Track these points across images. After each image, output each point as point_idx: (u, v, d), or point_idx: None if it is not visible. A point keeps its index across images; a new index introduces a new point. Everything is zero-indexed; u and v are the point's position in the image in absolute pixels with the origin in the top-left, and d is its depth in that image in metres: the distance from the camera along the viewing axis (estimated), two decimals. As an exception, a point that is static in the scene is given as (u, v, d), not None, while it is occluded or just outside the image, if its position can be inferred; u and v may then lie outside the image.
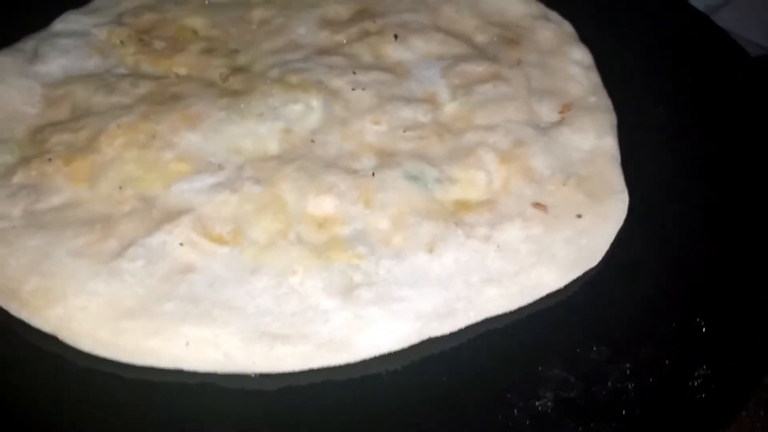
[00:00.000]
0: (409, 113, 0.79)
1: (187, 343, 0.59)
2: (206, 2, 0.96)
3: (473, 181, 0.73)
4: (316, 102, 0.79)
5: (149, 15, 0.93)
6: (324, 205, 0.70)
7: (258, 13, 0.95)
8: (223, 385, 0.58)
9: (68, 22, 0.93)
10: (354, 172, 0.73)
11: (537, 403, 0.56)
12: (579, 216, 0.71)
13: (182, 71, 0.86)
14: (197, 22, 0.93)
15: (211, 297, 0.62)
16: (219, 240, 0.67)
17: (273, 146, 0.76)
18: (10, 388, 0.57)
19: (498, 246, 0.67)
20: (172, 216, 0.68)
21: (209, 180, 0.72)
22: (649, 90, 0.87)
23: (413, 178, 0.72)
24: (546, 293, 0.65)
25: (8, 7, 0.95)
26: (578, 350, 0.60)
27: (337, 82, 0.82)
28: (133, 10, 0.94)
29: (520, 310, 0.64)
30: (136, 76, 0.85)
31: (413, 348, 0.61)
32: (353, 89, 0.81)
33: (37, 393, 0.57)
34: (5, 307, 0.62)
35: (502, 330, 0.63)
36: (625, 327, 0.62)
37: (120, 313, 0.61)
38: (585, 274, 0.67)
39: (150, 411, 0.56)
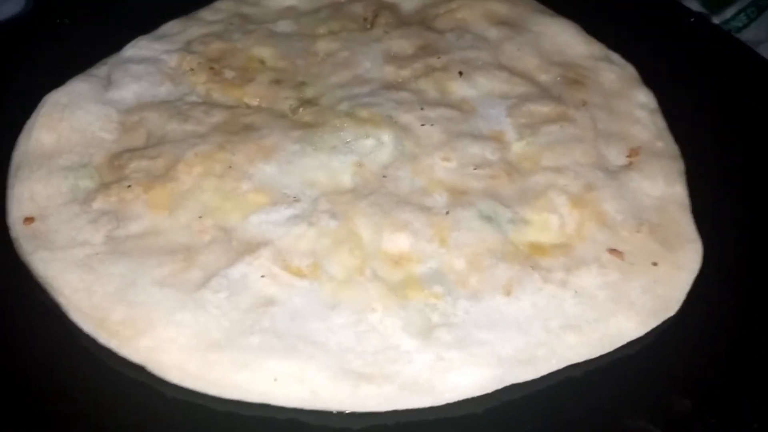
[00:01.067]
0: (477, 150, 0.80)
1: (276, 379, 0.59)
2: (271, 32, 0.97)
3: (546, 224, 0.73)
4: (386, 137, 0.81)
5: (218, 43, 0.95)
6: (399, 242, 0.71)
7: (323, 45, 0.96)
8: (307, 421, 0.58)
9: (139, 47, 0.94)
10: (427, 210, 0.73)
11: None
12: (654, 264, 0.71)
13: (253, 102, 0.88)
14: (264, 52, 0.94)
15: (293, 331, 0.63)
16: (298, 273, 0.68)
17: (346, 180, 0.77)
18: (99, 418, 0.58)
19: (576, 291, 0.67)
20: (251, 248, 0.69)
21: (286, 212, 0.73)
22: (713, 135, 0.87)
23: (487, 219, 0.72)
24: (626, 341, 0.64)
25: (79, 31, 0.96)
26: (662, 402, 0.60)
27: (406, 118, 0.83)
28: (201, 38, 0.96)
29: (600, 358, 0.63)
30: (209, 104, 0.86)
31: (494, 392, 0.60)
32: (422, 125, 0.83)
33: (126, 422, 0.58)
34: (93, 335, 0.63)
35: (580, 378, 0.62)
36: (707, 379, 0.62)
37: (207, 346, 0.61)
38: (663, 323, 0.67)
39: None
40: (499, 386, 0.61)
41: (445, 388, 0.60)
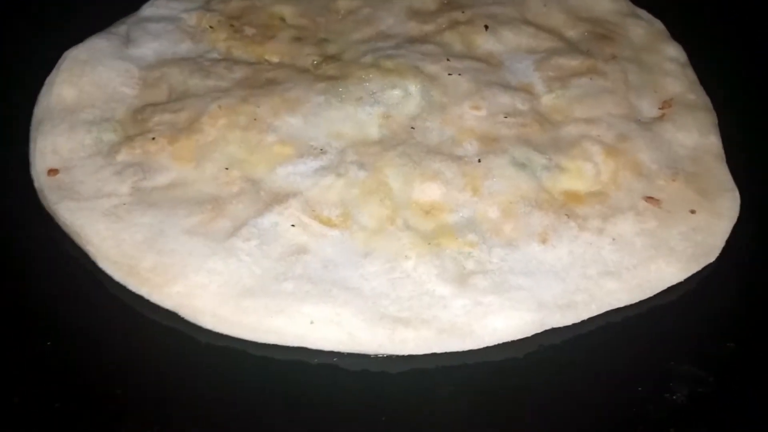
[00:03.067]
0: (507, 100, 0.78)
1: (312, 322, 0.58)
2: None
3: (581, 172, 0.72)
4: (413, 87, 0.79)
5: (237, 2, 0.93)
6: (430, 192, 0.69)
7: (343, 3, 0.94)
8: (344, 366, 0.57)
9: (157, 7, 0.93)
10: (459, 159, 0.72)
11: (673, 397, 0.54)
12: (692, 212, 0.69)
13: (274, 59, 0.86)
14: (285, 10, 0.93)
15: (327, 278, 0.62)
16: (328, 223, 0.66)
17: (373, 131, 0.76)
18: (132, 364, 0.57)
19: (613, 239, 0.66)
20: (280, 198, 0.68)
21: (313, 164, 0.71)
22: (743, 88, 0.85)
23: (521, 166, 0.71)
24: (666, 287, 0.63)
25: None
26: (705, 346, 0.58)
27: (433, 68, 0.82)
28: (221, -4, 0.94)
29: (640, 303, 0.62)
30: (230, 61, 0.85)
31: (534, 336, 0.59)
32: (449, 74, 0.81)
33: (159, 369, 0.57)
34: (123, 282, 0.62)
35: (621, 323, 0.61)
36: (750, 323, 0.61)
37: (240, 292, 0.60)
38: (702, 269, 0.65)
39: (272, 388, 0.56)
40: (539, 330, 0.59)
41: (484, 332, 0.59)
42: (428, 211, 0.68)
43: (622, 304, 0.62)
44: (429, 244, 0.65)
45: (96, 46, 0.84)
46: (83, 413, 0.54)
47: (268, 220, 0.66)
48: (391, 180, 0.70)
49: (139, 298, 0.61)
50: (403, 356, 0.58)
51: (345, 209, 0.67)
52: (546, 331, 0.60)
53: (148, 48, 0.86)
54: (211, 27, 0.90)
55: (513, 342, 0.59)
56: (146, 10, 0.92)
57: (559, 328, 0.60)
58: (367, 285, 0.61)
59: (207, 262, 0.62)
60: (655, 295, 0.63)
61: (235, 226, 0.65)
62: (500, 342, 0.59)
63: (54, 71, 0.80)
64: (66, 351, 0.58)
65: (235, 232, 0.64)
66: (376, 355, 0.58)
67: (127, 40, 0.87)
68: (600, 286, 0.62)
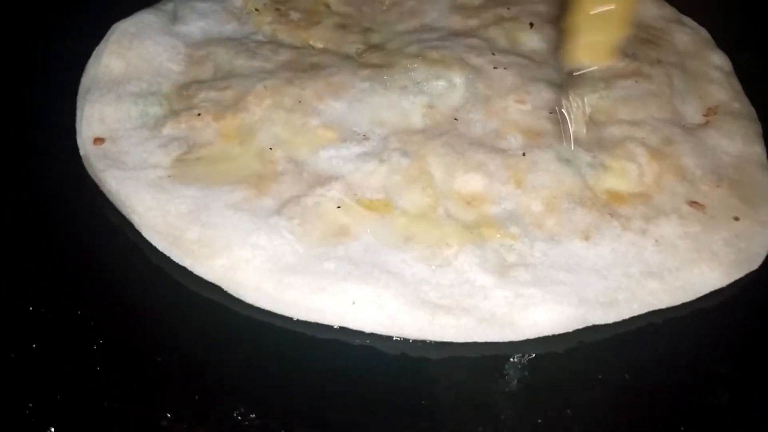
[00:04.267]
0: (552, 96, 0.78)
1: (353, 302, 0.58)
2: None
3: (625, 172, 0.71)
4: (458, 79, 0.79)
5: (283, -15, 0.94)
6: (472, 182, 0.69)
7: (388, -6, 0.94)
8: (383, 350, 0.57)
9: (204, -13, 0.93)
10: (502, 152, 0.72)
11: (714, 400, 0.54)
12: (736, 219, 0.69)
13: (318, 44, 0.86)
14: (329, -4, 0.93)
15: (368, 260, 0.62)
16: (370, 207, 0.66)
17: (416, 120, 0.76)
18: (172, 334, 0.57)
19: (656, 240, 0.66)
20: (322, 180, 0.68)
21: (356, 149, 0.72)
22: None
23: (566, 161, 0.71)
24: (708, 291, 0.63)
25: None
26: (746, 351, 0.58)
27: (478, 61, 0.82)
28: (268, -21, 0.94)
29: (682, 306, 0.62)
30: (275, 43, 0.85)
31: (574, 332, 0.59)
32: (495, 68, 0.81)
33: (200, 340, 0.57)
34: (167, 252, 0.62)
35: (662, 324, 0.61)
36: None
37: (283, 268, 0.60)
38: (744, 277, 0.65)
39: (311, 366, 0.56)
40: (580, 326, 0.59)
41: (525, 324, 0.58)
42: (470, 201, 0.68)
43: (663, 305, 0.61)
44: (471, 233, 0.65)
45: (144, 20, 0.85)
46: (124, 379, 0.54)
47: (310, 200, 0.66)
48: (433, 169, 0.70)
49: (182, 270, 0.61)
50: (442, 342, 0.57)
51: (387, 194, 0.68)
52: (586, 328, 0.59)
53: (195, 26, 0.86)
54: (256, 10, 0.90)
55: (553, 336, 0.59)
56: (193, -10, 0.93)
57: (600, 326, 0.60)
58: (408, 269, 0.61)
59: (251, 237, 0.62)
60: (696, 299, 0.62)
61: (279, 204, 0.65)
62: (541, 335, 0.58)
63: (102, 42, 0.81)
64: (108, 319, 0.59)
65: (279, 210, 0.65)
66: (416, 340, 0.57)
67: (174, 18, 0.88)
68: (642, 286, 0.62)
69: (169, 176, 0.68)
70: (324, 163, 0.70)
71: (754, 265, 0.65)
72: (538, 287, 0.61)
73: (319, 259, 0.61)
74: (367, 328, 0.58)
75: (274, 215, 0.64)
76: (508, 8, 0.92)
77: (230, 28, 0.88)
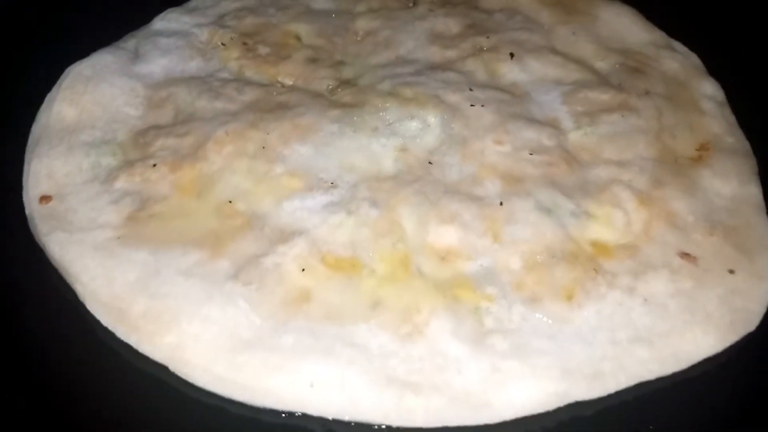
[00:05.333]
0: (532, 134, 0.73)
1: (312, 385, 0.53)
2: (308, 8, 0.91)
3: (611, 220, 0.66)
4: (433, 118, 0.74)
5: (251, 18, 0.89)
6: (446, 236, 0.64)
7: (362, 24, 0.90)
8: (345, 433, 0.52)
9: (169, 20, 0.89)
10: (479, 200, 0.67)
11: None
12: (731, 272, 0.64)
13: (287, 81, 0.82)
14: (300, 28, 0.89)
15: (331, 331, 0.57)
16: (336, 266, 0.62)
17: (388, 165, 0.71)
18: (115, 416, 0.52)
19: (645, 299, 0.61)
20: (285, 236, 0.63)
21: (322, 198, 0.67)
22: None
23: (546, 211, 0.66)
24: (702, 358, 0.58)
25: (108, 2, 0.91)
26: (747, 425, 0.53)
27: (454, 97, 0.77)
28: (235, 12, 0.90)
29: (673, 375, 0.57)
30: (241, 81, 0.80)
31: (556, 410, 0.54)
32: (471, 105, 0.76)
33: (144, 423, 0.52)
34: (112, 328, 0.57)
35: (652, 396, 0.56)
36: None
37: (236, 344, 0.56)
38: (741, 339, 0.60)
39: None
40: (562, 404, 0.54)
41: (501, 404, 0.54)
42: (444, 257, 0.63)
43: (653, 376, 0.57)
44: (444, 296, 0.60)
45: (101, 61, 0.80)
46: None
47: (270, 260, 0.61)
48: (404, 220, 0.65)
49: (129, 345, 0.56)
50: (411, 428, 0.52)
51: (354, 251, 0.63)
52: (569, 404, 0.54)
53: (157, 64, 0.82)
54: (223, 44, 0.86)
55: (532, 415, 0.54)
56: (157, 24, 0.89)
57: (583, 401, 0.55)
58: (374, 341, 0.57)
59: (202, 309, 0.57)
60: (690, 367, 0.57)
61: (235, 267, 0.61)
62: (519, 416, 0.53)
63: (55, 88, 0.77)
64: (45, 396, 0.54)
65: (236, 274, 0.60)
66: (380, 426, 0.52)
67: (135, 56, 0.83)
68: (630, 354, 0.57)
69: (119, 237, 0.63)
70: (287, 216, 0.65)
71: (752, 326, 0.60)
72: (517, 359, 0.56)
73: (277, 331, 0.56)
74: (328, 414, 0.53)
75: (230, 280, 0.60)
76: (488, 37, 0.87)
77: (194, 65, 0.83)
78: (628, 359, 0.57)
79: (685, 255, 0.64)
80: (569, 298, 0.60)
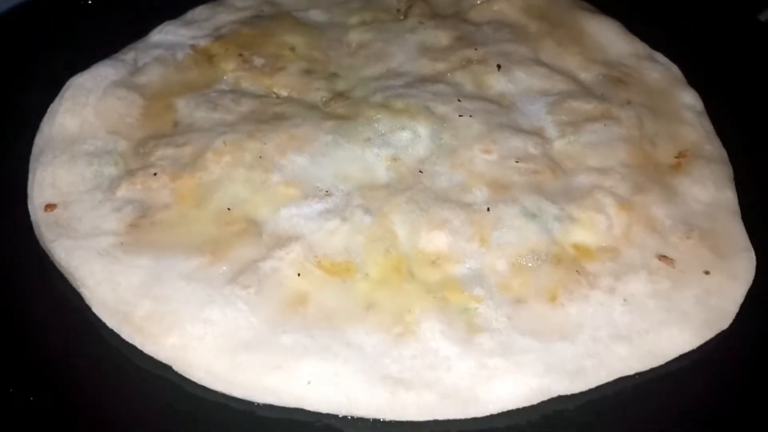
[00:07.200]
0: (519, 143, 0.76)
1: (309, 382, 0.56)
2: (302, 21, 0.94)
3: (593, 224, 0.69)
4: (423, 129, 0.77)
5: (246, 30, 0.92)
6: (437, 241, 0.67)
7: (355, 36, 0.93)
8: (341, 428, 0.55)
9: (166, 33, 0.92)
10: (467, 206, 0.70)
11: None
12: (707, 273, 0.67)
13: (282, 92, 0.85)
14: (296, 40, 0.91)
15: (327, 331, 0.60)
16: (331, 271, 0.64)
17: (381, 174, 0.74)
18: (121, 414, 0.55)
19: (625, 299, 0.64)
20: (282, 242, 0.66)
21: (318, 206, 0.70)
22: (759, 139, 0.83)
23: (531, 216, 0.69)
24: (679, 354, 0.61)
25: (106, 15, 0.94)
26: (720, 418, 0.56)
27: (443, 109, 0.80)
28: (230, 24, 0.93)
29: (651, 370, 0.60)
30: (238, 92, 0.83)
31: (540, 404, 0.57)
32: (460, 116, 0.79)
33: (150, 422, 0.55)
34: (117, 330, 0.60)
35: (631, 391, 0.59)
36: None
37: (236, 345, 0.58)
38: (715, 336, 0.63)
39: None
40: (545, 398, 0.57)
41: (488, 399, 0.56)
42: (434, 261, 0.66)
43: (632, 371, 0.60)
44: (434, 297, 0.63)
45: (101, 73, 0.83)
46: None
47: (268, 265, 0.64)
48: (397, 227, 0.68)
49: (133, 346, 0.59)
50: (403, 422, 0.55)
51: (349, 256, 0.66)
52: (552, 399, 0.57)
53: (155, 76, 0.85)
54: (219, 56, 0.89)
55: (517, 409, 0.56)
56: (155, 36, 0.91)
57: (566, 396, 0.58)
58: (368, 341, 0.59)
59: (203, 311, 0.60)
60: (667, 363, 0.60)
61: (235, 271, 0.63)
62: (505, 410, 0.56)
63: (57, 99, 0.79)
64: (52, 397, 0.56)
65: (235, 277, 0.63)
66: (375, 419, 0.55)
67: (134, 68, 0.86)
68: (610, 351, 0.60)
69: (122, 243, 0.66)
70: (284, 223, 0.68)
71: (725, 323, 0.63)
72: (503, 357, 0.59)
73: (275, 332, 0.59)
74: (324, 409, 0.56)
75: (230, 284, 0.62)
76: (476, 49, 0.90)
77: (192, 76, 0.86)
78: (609, 356, 0.60)
79: (663, 257, 0.68)
80: (553, 298, 0.63)
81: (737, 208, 0.75)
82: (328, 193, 0.71)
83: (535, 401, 0.57)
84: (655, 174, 0.77)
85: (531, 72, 0.88)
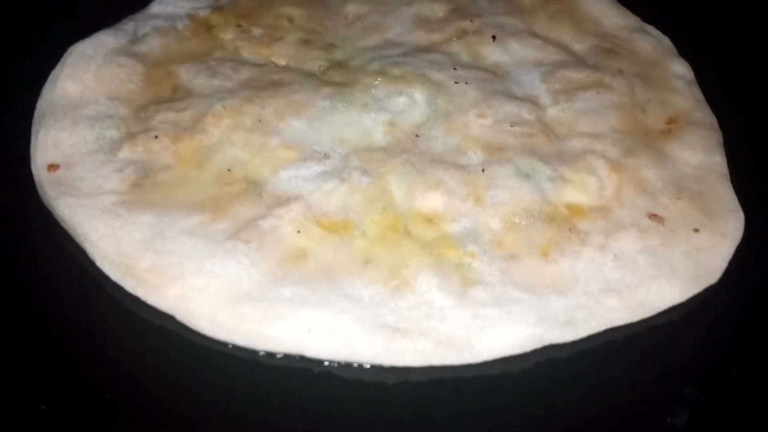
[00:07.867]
0: (513, 109, 0.78)
1: (309, 330, 0.57)
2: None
3: (585, 185, 0.71)
4: (419, 95, 0.79)
5: (245, 1, 0.93)
6: (432, 201, 0.69)
7: (352, 8, 0.94)
8: (340, 375, 0.57)
9: (165, 4, 0.93)
10: (462, 168, 0.71)
11: (673, 421, 0.54)
12: (696, 231, 0.69)
13: (281, 61, 0.86)
14: (293, 11, 0.93)
15: (326, 284, 0.61)
16: (329, 228, 0.66)
17: (378, 138, 0.75)
18: (125, 364, 0.56)
19: (615, 255, 0.65)
20: (281, 201, 0.67)
21: (316, 168, 0.71)
22: (748, 108, 0.85)
23: (525, 176, 0.70)
24: (668, 306, 0.63)
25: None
26: (707, 369, 0.58)
27: (439, 76, 0.81)
28: (229, -5, 0.94)
29: (640, 322, 0.61)
30: (237, 61, 0.84)
31: (532, 352, 0.59)
32: (456, 82, 0.80)
33: (154, 370, 0.56)
34: (120, 282, 0.61)
35: (621, 342, 0.61)
36: (753, 346, 0.60)
37: (238, 296, 0.60)
38: (703, 290, 0.65)
39: (267, 394, 0.55)
40: (538, 346, 0.59)
41: (482, 346, 0.58)
42: (430, 219, 0.68)
43: (622, 323, 0.61)
44: (430, 253, 0.64)
45: (102, 41, 0.84)
46: (70, 416, 0.53)
47: (268, 222, 0.65)
48: (393, 188, 0.70)
49: (136, 299, 0.60)
50: (399, 367, 0.57)
51: (346, 215, 0.67)
52: (544, 348, 0.59)
53: (155, 45, 0.86)
54: (218, 26, 0.90)
55: (511, 357, 0.58)
56: (155, 7, 0.92)
57: (558, 344, 0.59)
58: (366, 292, 0.61)
59: (205, 264, 0.61)
60: (655, 315, 0.62)
61: (236, 227, 0.65)
62: (498, 357, 0.58)
63: (59, 66, 0.80)
64: (58, 349, 0.58)
65: (236, 233, 0.64)
66: (373, 365, 0.57)
67: (134, 37, 0.87)
68: (601, 304, 0.62)
69: (124, 202, 0.67)
70: (284, 184, 0.70)
71: (713, 278, 0.65)
72: (496, 307, 0.60)
73: (276, 284, 0.61)
74: (324, 356, 0.57)
75: (231, 239, 0.64)
76: (471, 21, 0.91)
77: (191, 46, 0.87)
78: (599, 308, 0.61)
79: (653, 216, 0.69)
80: (545, 254, 0.65)
81: (726, 172, 0.76)
82: (326, 156, 0.72)
83: (527, 349, 0.58)
84: (646, 139, 0.78)
85: (525, 43, 0.89)
